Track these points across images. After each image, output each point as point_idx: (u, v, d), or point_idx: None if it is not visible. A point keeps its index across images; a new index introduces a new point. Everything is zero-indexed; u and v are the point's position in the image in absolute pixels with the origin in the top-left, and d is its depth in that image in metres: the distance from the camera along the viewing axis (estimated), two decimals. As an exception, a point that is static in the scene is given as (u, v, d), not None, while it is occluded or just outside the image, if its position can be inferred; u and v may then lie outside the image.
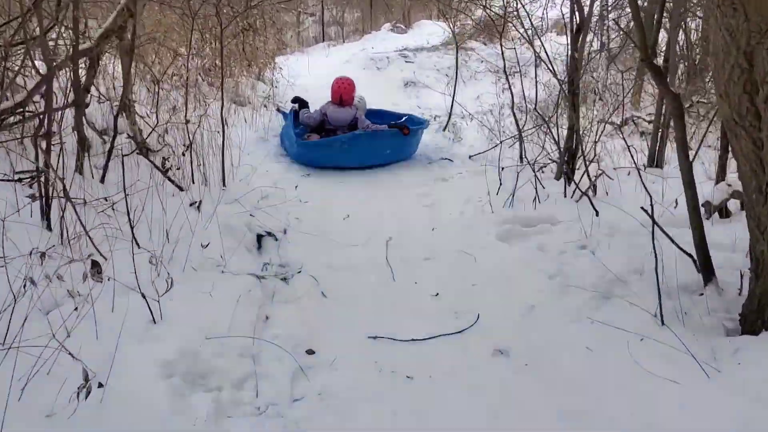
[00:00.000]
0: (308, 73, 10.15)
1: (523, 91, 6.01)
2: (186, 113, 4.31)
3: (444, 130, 7.25)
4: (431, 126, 7.34)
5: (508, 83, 6.02)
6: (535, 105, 5.30)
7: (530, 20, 5.33)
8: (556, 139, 4.86)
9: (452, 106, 7.31)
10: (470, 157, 6.28)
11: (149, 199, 3.44)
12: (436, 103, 8.45)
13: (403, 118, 6.60)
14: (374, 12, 18.06)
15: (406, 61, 10.44)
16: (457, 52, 7.54)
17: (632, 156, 4.37)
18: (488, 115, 7.43)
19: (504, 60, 5.93)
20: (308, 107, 6.59)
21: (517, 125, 5.71)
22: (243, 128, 6.16)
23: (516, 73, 6.97)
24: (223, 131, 4.46)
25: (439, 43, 11.81)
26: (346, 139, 5.87)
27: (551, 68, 4.70)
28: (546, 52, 4.93)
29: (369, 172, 5.76)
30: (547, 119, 5.12)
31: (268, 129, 6.43)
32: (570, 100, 4.89)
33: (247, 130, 6.26)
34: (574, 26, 4.93)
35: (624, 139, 4.85)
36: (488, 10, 6.16)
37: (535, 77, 5.38)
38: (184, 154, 4.15)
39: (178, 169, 4.10)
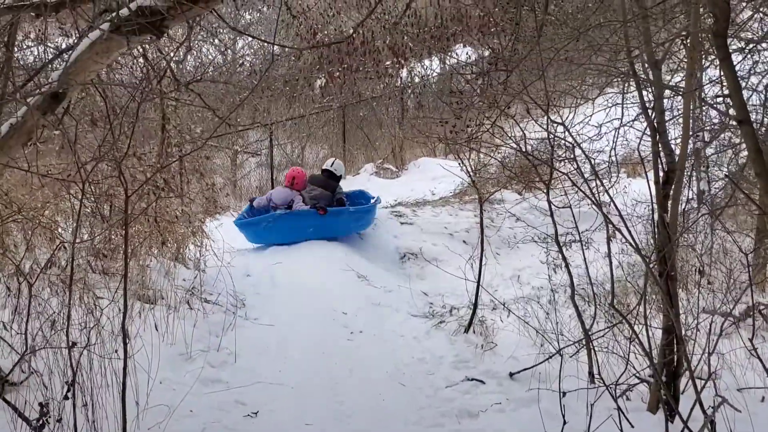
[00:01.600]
0: (250, 244, 10.52)
1: (587, 268, 6.19)
2: (68, 328, 4.36)
3: (467, 331, 7.34)
4: (445, 327, 7.47)
5: (564, 259, 6.23)
6: (612, 298, 5.45)
7: (591, 163, 5.65)
8: (646, 347, 4.93)
9: (477, 293, 7.48)
10: (511, 375, 6.31)
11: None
12: (451, 285, 8.67)
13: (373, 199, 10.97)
14: (349, 148, 19.09)
15: (402, 223, 10.88)
16: (481, 209, 7.85)
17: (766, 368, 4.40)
18: (534, 305, 7.60)
19: (555, 224, 6.18)
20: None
21: (582, 324, 5.82)
22: (152, 340, 6.21)
23: (574, 242, 7.22)
24: (125, 357, 4.49)
25: (450, 194, 12.39)
26: (270, 218, 10.01)
27: (629, 238, 4.90)
28: (619, 212, 5.18)
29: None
30: (626, 316, 5.24)
31: (192, 340, 6.47)
32: (663, 286, 5.05)
33: (160, 343, 6.30)
34: (660, 173, 5.26)
35: (751, 342, 4.92)
36: (526, 151, 6.51)
37: (609, 254, 5.58)
38: (67, 397, 4.14)
39: (59, 421, 4.08)
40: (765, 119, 6.65)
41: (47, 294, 5.56)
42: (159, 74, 6.02)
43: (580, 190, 5.30)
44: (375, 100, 18.77)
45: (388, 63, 18.17)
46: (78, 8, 4.08)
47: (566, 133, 5.57)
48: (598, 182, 5.42)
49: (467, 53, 17.97)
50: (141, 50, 6.63)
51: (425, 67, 19.59)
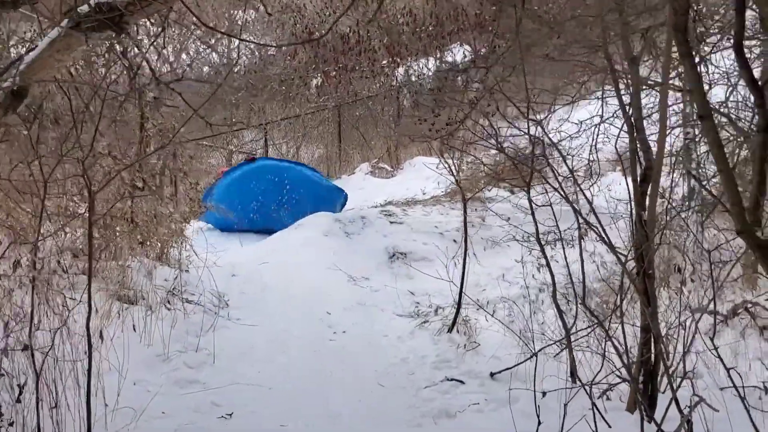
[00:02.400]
0: (240, 245, 10.47)
1: (568, 267, 6.12)
2: (31, 328, 4.30)
3: (450, 331, 7.29)
4: (429, 327, 7.43)
5: (545, 259, 6.15)
6: (584, 297, 5.39)
7: (566, 161, 5.57)
8: (620, 347, 4.87)
9: (461, 293, 7.42)
10: (492, 375, 6.25)
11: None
12: (439, 285, 8.59)
13: None
14: (345, 147, 19.04)
15: (392, 222, 10.81)
16: (465, 210, 7.78)
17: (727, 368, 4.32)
18: (521, 305, 7.53)
19: (536, 222, 6.11)
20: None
21: (564, 324, 5.75)
22: (129, 341, 6.16)
23: (557, 240, 7.16)
24: (90, 357, 4.43)
25: (441, 193, 12.32)
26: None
27: (603, 237, 4.84)
28: (593, 210, 5.12)
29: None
30: (603, 318, 5.19)
31: (169, 341, 6.42)
32: (640, 285, 5.00)
33: (137, 343, 6.25)
34: (638, 173, 5.20)
35: (712, 341, 4.85)
36: (508, 150, 6.45)
37: (580, 252, 5.53)
38: (20, 399, 4.09)
39: (11, 425, 4.03)
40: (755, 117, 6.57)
41: (19, 295, 5.50)
42: (133, 72, 5.96)
43: (554, 188, 5.21)
44: (371, 100, 18.71)
45: (384, 62, 18.12)
46: (37, 4, 4.02)
47: (542, 131, 5.49)
48: (574, 180, 5.36)
49: (464, 52, 17.90)
50: (119, 48, 6.60)
51: (421, 66, 19.52)
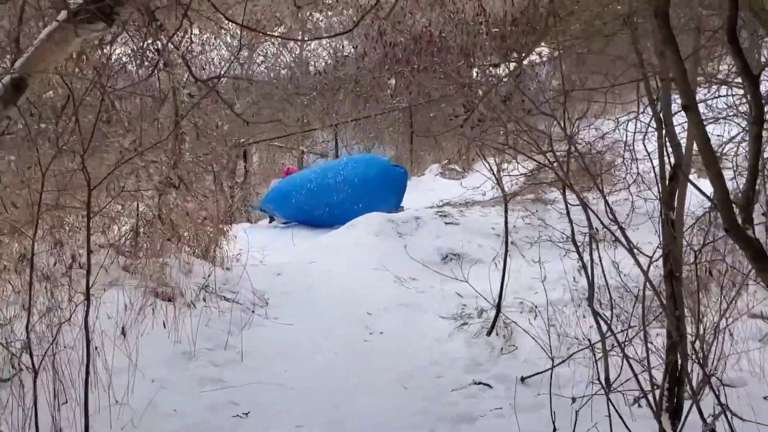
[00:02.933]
0: (292, 244, 10.45)
1: (603, 271, 5.86)
2: (29, 322, 4.30)
3: (489, 334, 7.09)
4: (468, 329, 7.25)
5: (581, 261, 5.91)
6: (590, 299, 5.16)
7: (582, 162, 5.33)
8: (640, 355, 4.64)
9: (501, 295, 7.23)
10: (523, 379, 6.03)
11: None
12: (489, 288, 8.39)
13: None
14: (415, 148, 18.92)
15: (447, 223, 10.65)
16: (506, 210, 7.59)
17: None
18: (564, 308, 7.33)
19: (572, 223, 5.89)
20: None
21: (600, 330, 5.51)
22: (158, 337, 6.18)
23: (600, 242, 6.90)
24: (88, 352, 4.41)
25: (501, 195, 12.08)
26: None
27: (618, 237, 4.60)
28: (610, 209, 4.88)
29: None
30: (625, 325, 4.96)
31: (196, 338, 6.41)
32: (667, 290, 4.74)
33: (164, 339, 6.27)
34: (666, 173, 4.93)
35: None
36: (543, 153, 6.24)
37: (590, 253, 5.29)
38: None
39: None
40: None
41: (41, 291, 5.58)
42: (157, 66, 5.95)
43: (566, 184, 4.97)
44: (443, 101, 18.49)
45: (460, 63, 17.91)
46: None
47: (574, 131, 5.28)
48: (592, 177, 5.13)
49: (541, 54, 17.55)
50: (158, 43, 6.60)
51: (496, 68, 19.22)
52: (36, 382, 4.23)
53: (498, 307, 7.22)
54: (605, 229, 4.99)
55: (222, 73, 9.33)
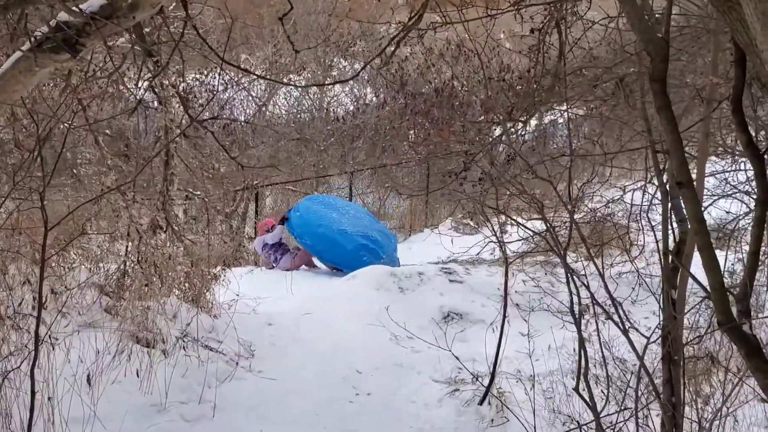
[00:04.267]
0: (290, 293, 10.12)
1: (601, 345, 5.51)
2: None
3: (481, 403, 6.72)
4: (460, 396, 6.89)
5: (579, 334, 5.56)
6: (578, 382, 4.82)
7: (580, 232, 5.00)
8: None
9: (495, 362, 6.88)
10: (511, 462, 5.65)
11: None
12: (489, 352, 8.04)
13: None
14: (431, 200, 18.59)
15: (451, 280, 10.32)
16: (506, 275, 7.26)
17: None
18: (564, 381, 6.96)
19: (571, 293, 5.56)
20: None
21: (594, 410, 5.14)
22: (128, 387, 5.86)
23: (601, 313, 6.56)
24: (32, 406, 4.10)
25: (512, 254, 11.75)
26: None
27: (615, 318, 4.26)
28: (605, 283, 4.54)
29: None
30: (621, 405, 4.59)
31: (170, 390, 6.07)
32: (664, 374, 4.42)
33: (135, 390, 5.94)
34: (669, 239, 4.63)
35: None
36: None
37: (578, 330, 4.96)
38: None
39: None
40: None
41: None
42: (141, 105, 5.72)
43: (558, 255, 4.65)
44: (461, 155, 18.24)
45: (481, 118, 17.71)
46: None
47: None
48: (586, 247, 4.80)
49: (562, 112, 17.30)
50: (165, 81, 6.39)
51: (518, 123, 18.99)
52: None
53: (492, 375, 6.86)
54: (597, 305, 4.63)
55: (217, 113, 9.10)
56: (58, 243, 5.67)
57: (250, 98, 16.88)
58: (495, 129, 18.98)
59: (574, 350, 7.10)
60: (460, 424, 6.38)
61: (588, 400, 5.29)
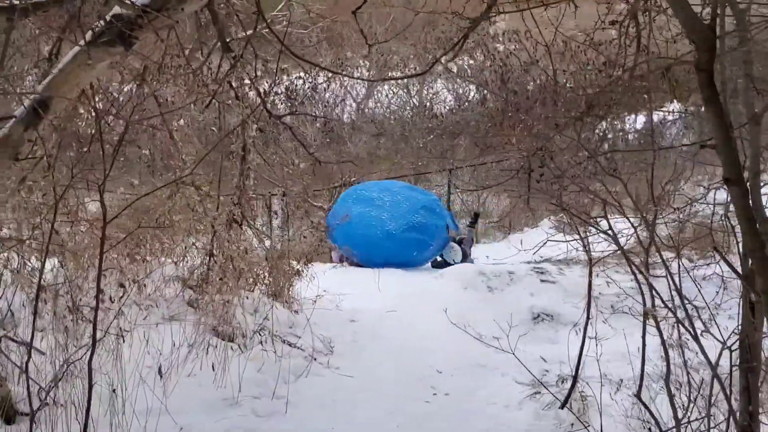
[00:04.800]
0: (378, 289, 10.04)
1: (682, 348, 5.24)
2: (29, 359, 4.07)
3: (562, 407, 6.49)
4: (541, 399, 6.67)
5: (661, 336, 5.33)
6: (639, 389, 4.57)
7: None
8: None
9: (578, 364, 6.64)
10: (586, 465, 5.42)
11: None
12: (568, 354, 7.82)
13: None
14: (531, 200, 18.25)
15: (543, 280, 10.05)
16: (590, 275, 7.01)
17: None
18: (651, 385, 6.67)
19: (643, 294, 5.34)
20: None
21: (675, 415, 4.91)
22: (202, 381, 5.91)
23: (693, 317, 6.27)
24: (89, 396, 4.13)
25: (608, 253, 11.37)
26: None
27: (679, 318, 4.01)
28: (675, 284, 4.29)
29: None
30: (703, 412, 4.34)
31: (242, 383, 6.09)
32: (741, 382, 4.16)
33: (209, 383, 5.99)
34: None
35: None
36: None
37: (643, 334, 4.70)
38: None
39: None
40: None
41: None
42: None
43: (623, 255, 4.41)
44: (563, 153, 17.86)
45: (580, 113, 17.31)
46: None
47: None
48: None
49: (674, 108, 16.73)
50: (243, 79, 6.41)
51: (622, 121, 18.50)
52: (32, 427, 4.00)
53: (575, 378, 6.62)
54: (668, 309, 4.39)
55: (296, 109, 9.11)
56: (133, 238, 5.74)
57: (349, 96, 16.95)
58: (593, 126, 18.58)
59: (661, 357, 6.81)
60: (537, 427, 6.19)
61: (649, 408, 5.11)
